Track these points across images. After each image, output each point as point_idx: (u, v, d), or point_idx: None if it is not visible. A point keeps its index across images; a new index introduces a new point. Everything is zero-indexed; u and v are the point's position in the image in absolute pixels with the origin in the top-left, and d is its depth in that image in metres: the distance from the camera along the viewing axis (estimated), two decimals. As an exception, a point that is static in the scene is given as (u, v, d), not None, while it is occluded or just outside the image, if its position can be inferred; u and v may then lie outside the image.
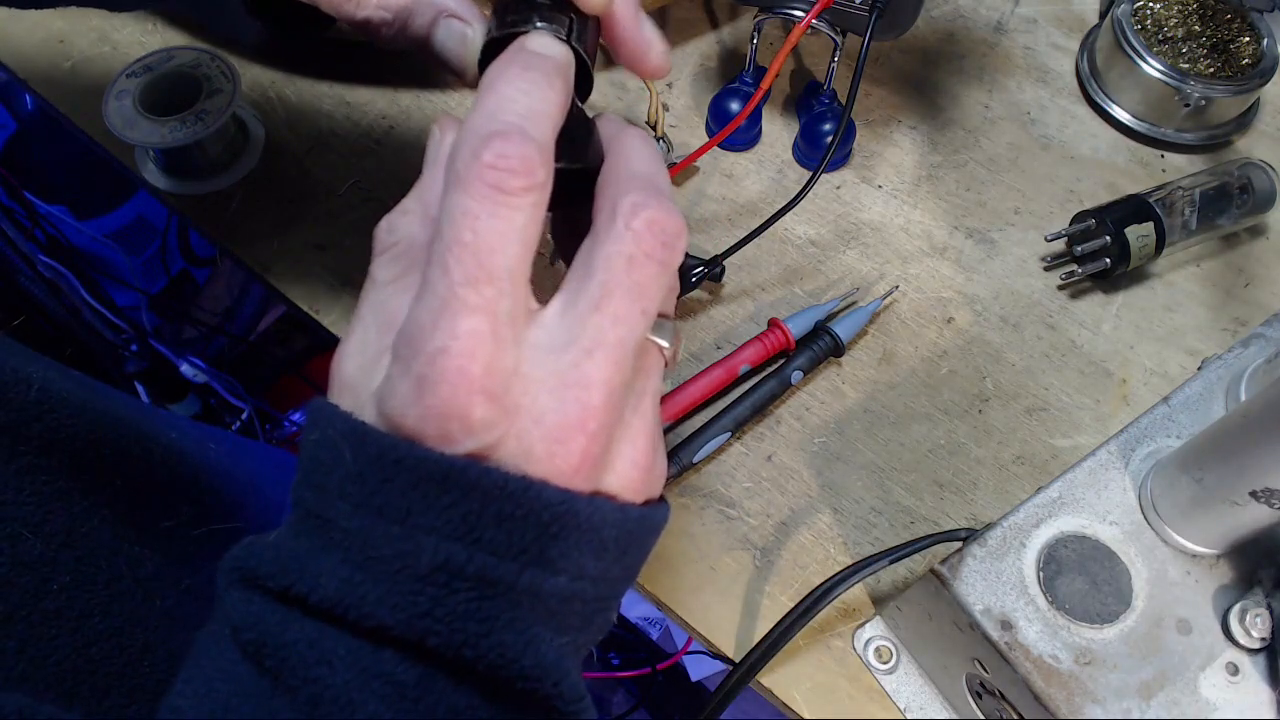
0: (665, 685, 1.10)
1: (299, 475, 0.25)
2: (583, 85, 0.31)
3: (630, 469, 0.27)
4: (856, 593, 0.45)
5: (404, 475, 0.23)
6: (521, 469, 0.24)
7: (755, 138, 0.59)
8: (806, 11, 0.51)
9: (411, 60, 0.58)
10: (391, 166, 0.56)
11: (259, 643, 0.23)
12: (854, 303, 0.53)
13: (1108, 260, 0.53)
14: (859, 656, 0.44)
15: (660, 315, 0.28)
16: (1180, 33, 0.60)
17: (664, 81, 0.62)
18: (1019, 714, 0.37)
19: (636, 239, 0.26)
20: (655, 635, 1.13)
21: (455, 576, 0.23)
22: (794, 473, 0.48)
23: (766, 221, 0.50)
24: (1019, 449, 0.49)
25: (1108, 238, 0.52)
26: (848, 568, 0.41)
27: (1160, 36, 0.59)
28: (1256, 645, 0.35)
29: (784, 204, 0.50)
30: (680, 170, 0.55)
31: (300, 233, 0.54)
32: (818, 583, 0.41)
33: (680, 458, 0.47)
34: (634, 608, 1.11)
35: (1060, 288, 0.55)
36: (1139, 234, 0.52)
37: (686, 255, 0.51)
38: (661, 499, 0.29)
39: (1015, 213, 0.58)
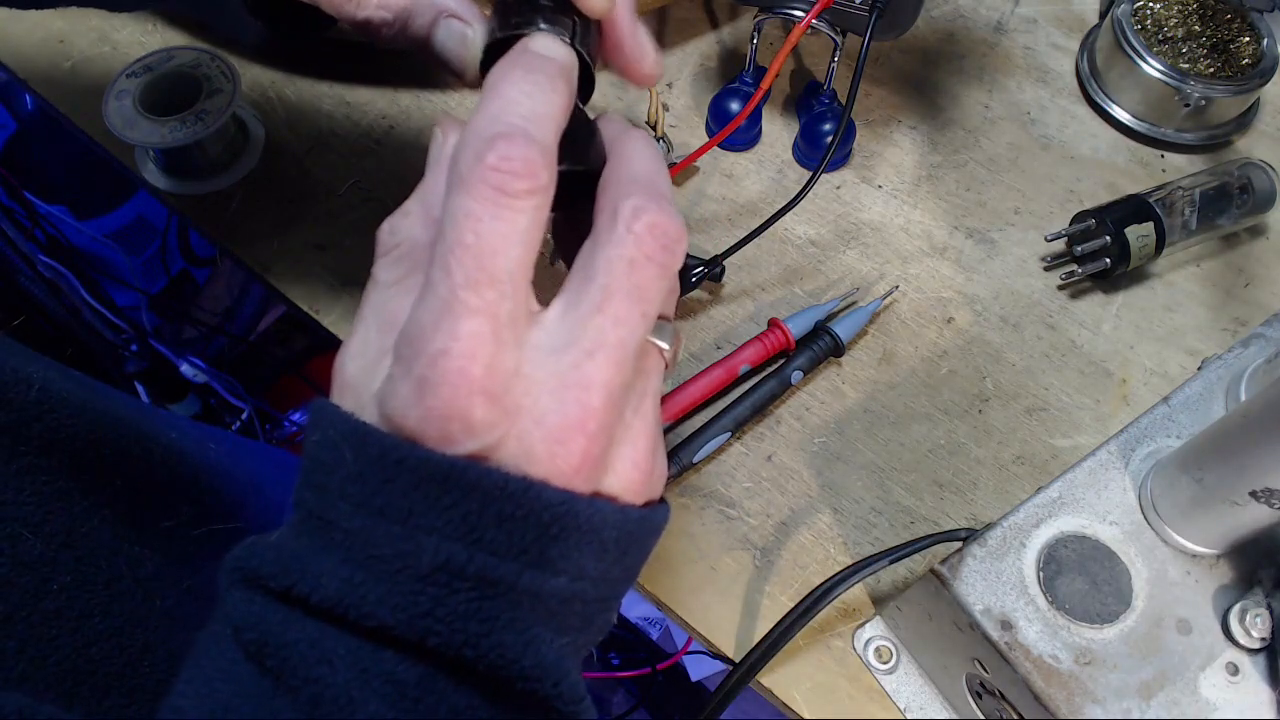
0: (665, 685, 1.10)
1: (301, 476, 0.26)
2: (585, 87, 0.31)
3: (631, 470, 0.27)
4: (856, 593, 0.45)
5: (405, 476, 0.24)
6: (522, 469, 0.24)
7: (755, 138, 0.59)
8: (806, 11, 0.51)
9: (411, 60, 0.58)
10: (391, 166, 0.56)
11: (260, 643, 0.23)
12: (854, 303, 0.53)
13: (1108, 260, 0.53)
14: (859, 656, 0.44)
15: (660, 317, 0.28)
16: (1180, 33, 0.60)
17: (664, 81, 0.62)
18: (1019, 714, 0.37)
19: (637, 242, 0.26)
20: (655, 635, 1.13)
21: (456, 577, 0.23)
22: (794, 473, 0.48)
23: (766, 221, 0.50)
24: (1019, 449, 0.49)
25: (1108, 238, 0.52)
26: (848, 568, 0.41)
27: (1160, 36, 0.59)
28: (1256, 645, 0.35)
29: (784, 204, 0.50)
30: (680, 170, 0.55)
31: (300, 233, 0.54)
32: (818, 583, 0.41)
33: (680, 458, 0.47)
34: (634, 608, 1.11)
35: (1060, 288, 0.55)
36: (1139, 234, 0.52)
37: (686, 255, 0.51)
38: (662, 500, 0.29)
39: (1015, 213, 0.58)
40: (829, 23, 0.53)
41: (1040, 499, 0.38)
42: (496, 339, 0.24)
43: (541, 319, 0.26)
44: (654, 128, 0.55)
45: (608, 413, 0.25)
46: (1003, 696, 0.37)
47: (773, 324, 0.50)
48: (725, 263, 0.52)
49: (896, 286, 0.54)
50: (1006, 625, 0.35)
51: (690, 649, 1.00)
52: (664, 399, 0.48)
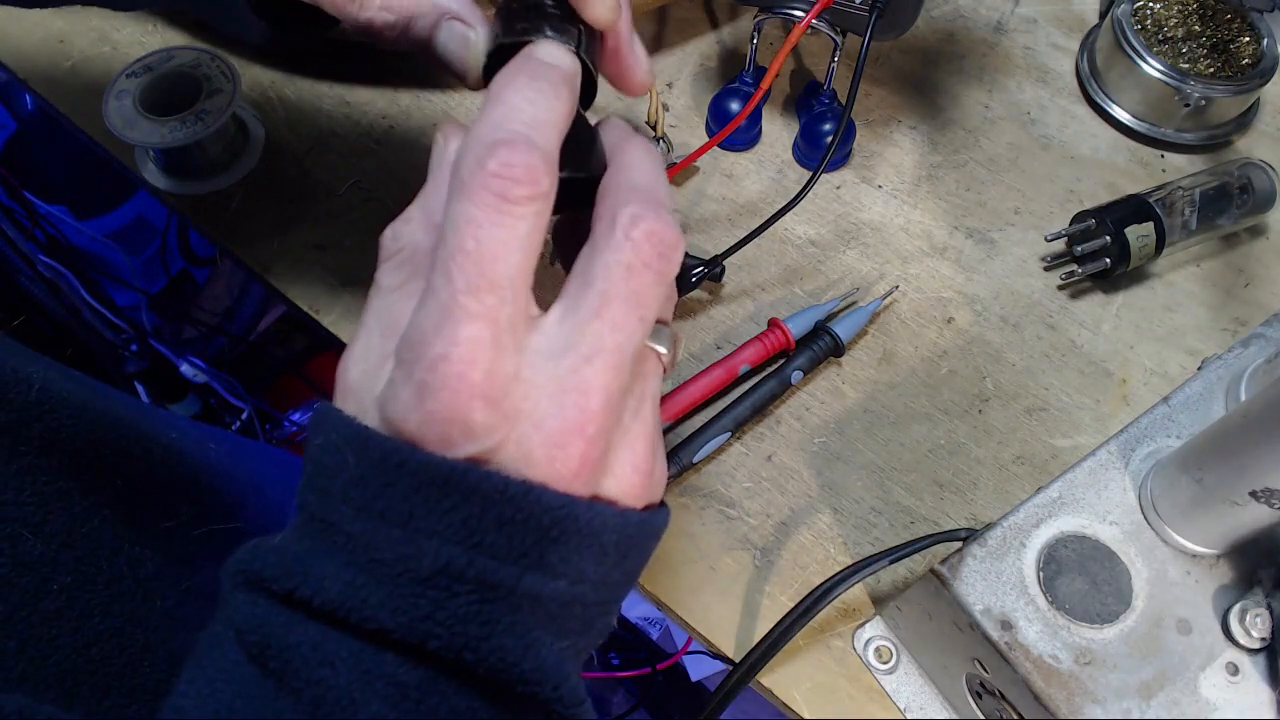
0: (665, 685, 1.10)
1: (303, 479, 0.26)
2: (586, 94, 0.31)
3: (630, 473, 0.27)
4: (856, 593, 0.45)
5: (406, 479, 0.24)
6: (522, 473, 0.24)
7: (755, 138, 0.59)
8: (806, 11, 0.51)
9: (411, 60, 0.58)
10: (391, 166, 0.56)
11: (263, 645, 0.24)
12: (854, 303, 0.53)
13: (1108, 260, 0.53)
14: (859, 656, 0.44)
15: (658, 322, 0.28)
16: (1180, 33, 0.60)
17: (664, 81, 0.62)
18: (1019, 714, 0.37)
19: (635, 249, 0.26)
20: (655, 635, 1.13)
21: (456, 580, 0.23)
22: (794, 473, 0.48)
23: (766, 221, 0.50)
24: (1019, 449, 0.49)
25: (1108, 238, 0.52)
26: (848, 568, 0.41)
27: (1160, 36, 0.59)
28: (1256, 645, 0.35)
29: (784, 204, 0.50)
30: (680, 170, 0.55)
31: (300, 233, 0.54)
32: (818, 583, 0.41)
33: (680, 458, 0.47)
34: (634, 608, 1.11)
35: (1060, 288, 0.55)
36: (1139, 234, 0.52)
37: (686, 255, 0.52)
38: (662, 503, 0.29)
39: (1015, 213, 0.58)
40: (829, 23, 0.53)
41: (1040, 499, 0.38)
42: (496, 344, 0.24)
43: (541, 324, 0.26)
44: (654, 128, 0.55)
45: (606, 417, 0.25)
46: (1003, 696, 0.37)
47: (773, 324, 0.50)
48: (725, 263, 0.52)
49: (896, 286, 0.54)
50: (1006, 625, 0.35)
51: (690, 649, 1.00)
52: (664, 399, 0.48)
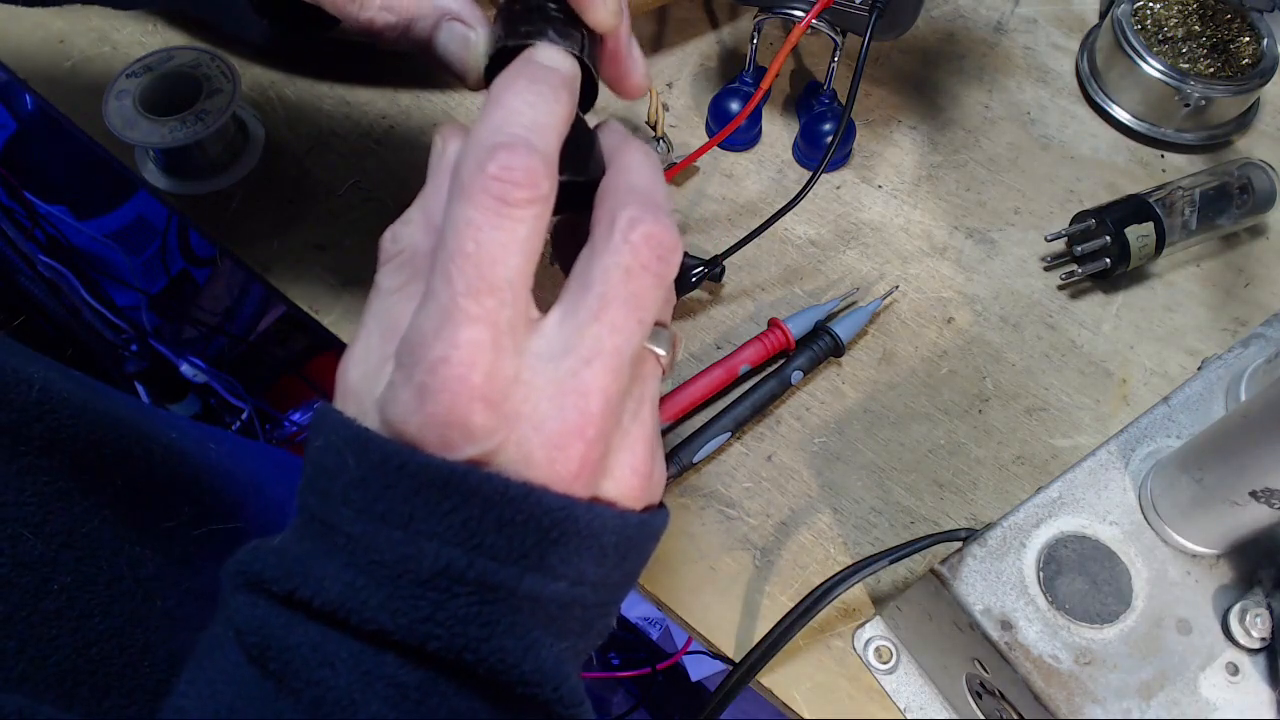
0: (665, 685, 1.10)
1: (304, 480, 0.26)
2: (587, 97, 0.31)
3: (629, 475, 0.27)
4: (856, 593, 0.45)
5: (406, 481, 0.24)
6: (521, 475, 0.24)
7: (755, 138, 0.59)
8: (806, 11, 0.51)
9: (411, 60, 0.58)
10: (391, 166, 0.56)
11: (263, 645, 0.24)
12: (854, 303, 0.53)
13: (1108, 260, 0.53)
14: (859, 656, 0.44)
15: (657, 324, 0.28)
16: (1180, 33, 0.60)
17: (664, 81, 0.62)
18: (1019, 714, 0.37)
19: (633, 251, 0.26)
20: (655, 635, 1.13)
21: (456, 581, 0.23)
22: (794, 473, 0.48)
23: (766, 221, 0.50)
24: (1019, 449, 0.49)
25: (1108, 238, 0.52)
26: (848, 568, 0.41)
27: (1160, 36, 0.59)
28: (1256, 645, 0.35)
29: (784, 204, 0.50)
30: (680, 170, 0.55)
31: (300, 233, 0.54)
32: (818, 583, 0.41)
33: (680, 458, 0.47)
34: (634, 608, 1.11)
35: (1060, 288, 0.55)
36: (1139, 234, 0.52)
37: (686, 255, 0.52)
38: (661, 505, 0.29)
39: (1015, 213, 0.58)
40: (829, 23, 0.53)
41: (1040, 499, 0.38)
42: (496, 346, 0.24)
43: (540, 326, 0.26)
44: (654, 128, 0.55)
45: (605, 419, 0.25)
46: (1003, 696, 0.37)
47: (773, 324, 0.50)
48: (725, 263, 0.52)
49: (896, 286, 0.54)
50: (1006, 625, 0.35)
51: (690, 649, 1.00)
52: (664, 399, 0.48)
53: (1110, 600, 0.35)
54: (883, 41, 0.63)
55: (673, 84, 0.62)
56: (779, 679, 0.43)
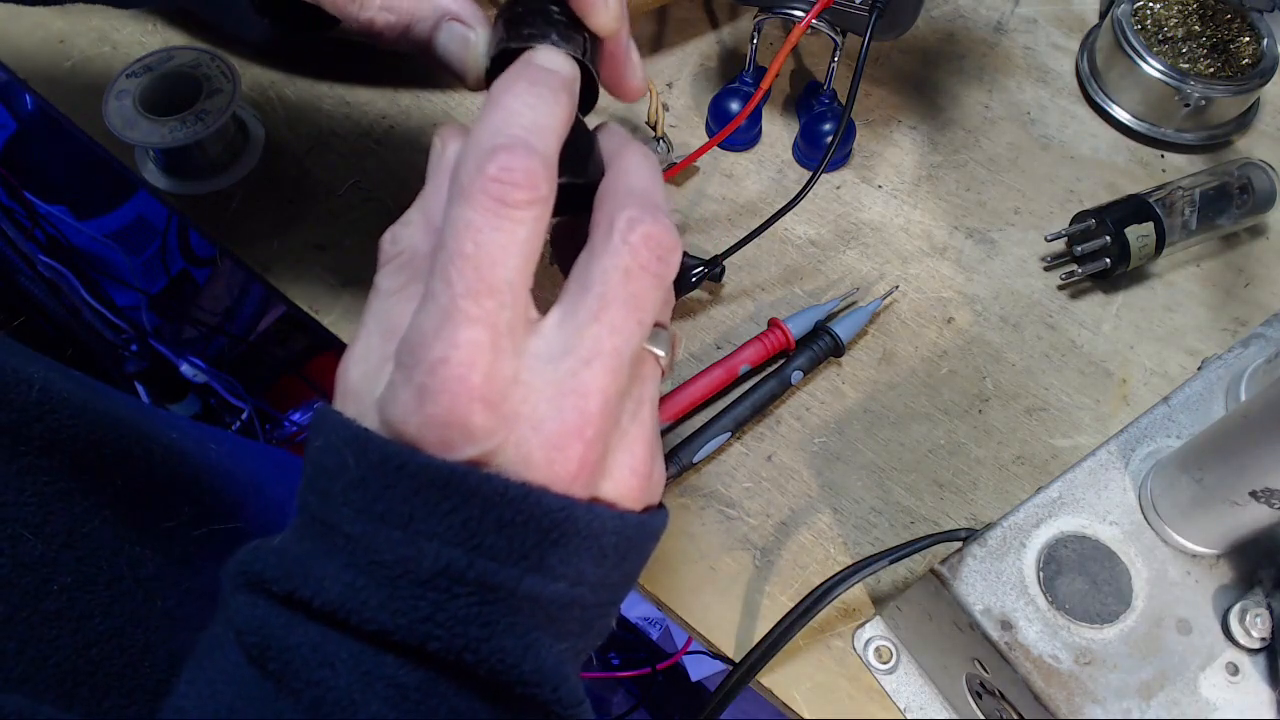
0: (665, 685, 1.10)
1: (304, 481, 0.26)
2: (587, 99, 0.31)
3: (629, 476, 0.27)
4: (856, 593, 0.45)
5: (406, 482, 0.24)
6: (521, 476, 0.24)
7: (755, 138, 0.59)
8: (806, 11, 0.51)
9: (411, 60, 0.58)
10: (391, 166, 0.56)
11: (263, 646, 0.24)
12: (854, 303, 0.53)
13: (1108, 260, 0.53)
14: (859, 656, 0.44)
15: (656, 325, 0.28)
16: (1180, 33, 0.60)
17: (664, 81, 0.62)
18: (1019, 714, 0.37)
19: (633, 252, 0.26)
20: (655, 635, 1.13)
21: (456, 582, 0.23)
22: (794, 473, 0.48)
23: (766, 221, 0.50)
24: (1019, 449, 0.49)
25: (1108, 238, 0.52)
26: (848, 568, 0.41)
27: (1160, 36, 0.59)
28: (1256, 645, 0.35)
29: (784, 204, 0.50)
30: (680, 170, 0.55)
31: (300, 233, 0.54)
32: (818, 583, 0.41)
33: (680, 458, 0.47)
34: (634, 608, 1.11)
35: (1060, 288, 0.55)
36: (1139, 234, 0.52)
37: (686, 255, 0.52)
38: (660, 505, 0.29)
39: (1015, 213, 0.58)
40: (829, 23, 0.53)
41: (1040, 499, 0.38)
42: (495, 347, 0.24)
43: (540, 327, 0.26)
44: (654, 128, 0.55)
45: (605, 419, 0.26)
46: (1003, 696, 0.37)
47: (773, 324, 0.50)
48: (725, 263, 0.52)
49: (896, 286, 0.54)
50: (1006, 625, 0.35)
51: (690, 649, 1.00)
52: (664, 399, 0.48)
53: (1110, 600, 0.36)
54: (883, 41, 0.63)
55: (673, 84, 0.62)
56: (779, 679, 0.43)
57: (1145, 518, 0.37)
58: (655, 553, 0.29)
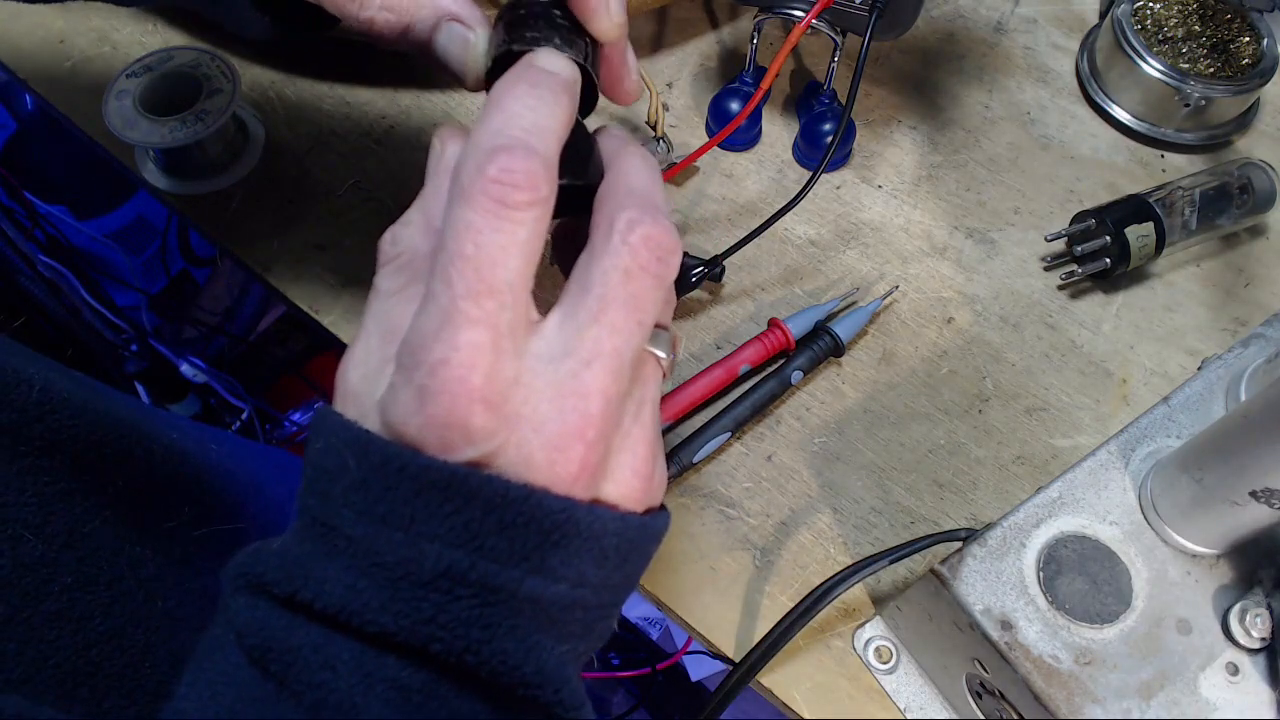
0: (665, 685, 1.11)
1: (304, 482, 0.26)
2: (586, 102, 0.31)
3: (630, 477, 0.27)
4: (856, 593, 0.45)
5: (407, 483, 0.24)
6: (522, 477, 0.24)
7: (755, 138, 0.59)
8: (806, 11, 0.51)
9: (411, 60, 0.58)
10: (391, 166, 0.56)
11: (264, 648, 0.24)
12: (854, 303, 0.53)
13: (1108, 260, 0.53)
14: (859, 656, 0.44)
15: (657, 326, 0.28)
16: (1180, 33, 0.60)
17: (664, 81, 0.62)
18: (1019, 714, 0.37)
19: (632, 253, 0.26)
20: (655, 635, 1.13)
21: (458, 583, 0.23)
22: (794, 473, 0.48)
23: (766, 221, 0.50)
24: (1019, 449, 0.49)
25: (1108, 238, 0.52)
26: (848, 568, 0.41)
27: (1160, 36, 0.59)
28: (1256, 645, 0.35)
29: (784, 204, 0.50)
30: (680, 170, 0.55)
31: (300, 233, 0.54)
32: (818, 583, 0.41)
33: (680, 458, 0.47)
34: (634, 608, 1.11)
35: (1060, 288, 0.55)
36: (1139, 234, 0.52)
37: (686, 255, 0.52)
38: (662, 507, 0.29)
39: (1015, 213, 0.58)
40: (829, 23, 0.53)
41: (1040, 499, 0.38)
42: (496, 348, 0.24)
43: (540, 328, 0.26)
44: (654, 128, 0.55)
45: (606, 420, 0.26)
46: (1003, 696, 0.37)
47: (773, 324, 0.50)
48: (725, 263, 0.52)
49: (896, 286, 0.54)
50: (1006, 625, 0.35)
51: (690, 649, 1.00)
52: (664, 399, 0.48)
53: (1110, 600, 0.36)
54: (883, 41, 0.63)
55: (673, 84, 0.62)
56: (779, 679, 0.43)
57: (1145, 518, 0.37)
58: (655, 553, 0.29)
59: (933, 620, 0.39)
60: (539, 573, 0.24)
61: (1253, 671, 0.35)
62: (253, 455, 0.54)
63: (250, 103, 0.58)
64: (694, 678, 1.09)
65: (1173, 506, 0.36)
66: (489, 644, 0.23)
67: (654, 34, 0.64)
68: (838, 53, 0.55)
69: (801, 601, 0.40)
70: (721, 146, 0.58)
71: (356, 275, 0.53)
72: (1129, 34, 0.59)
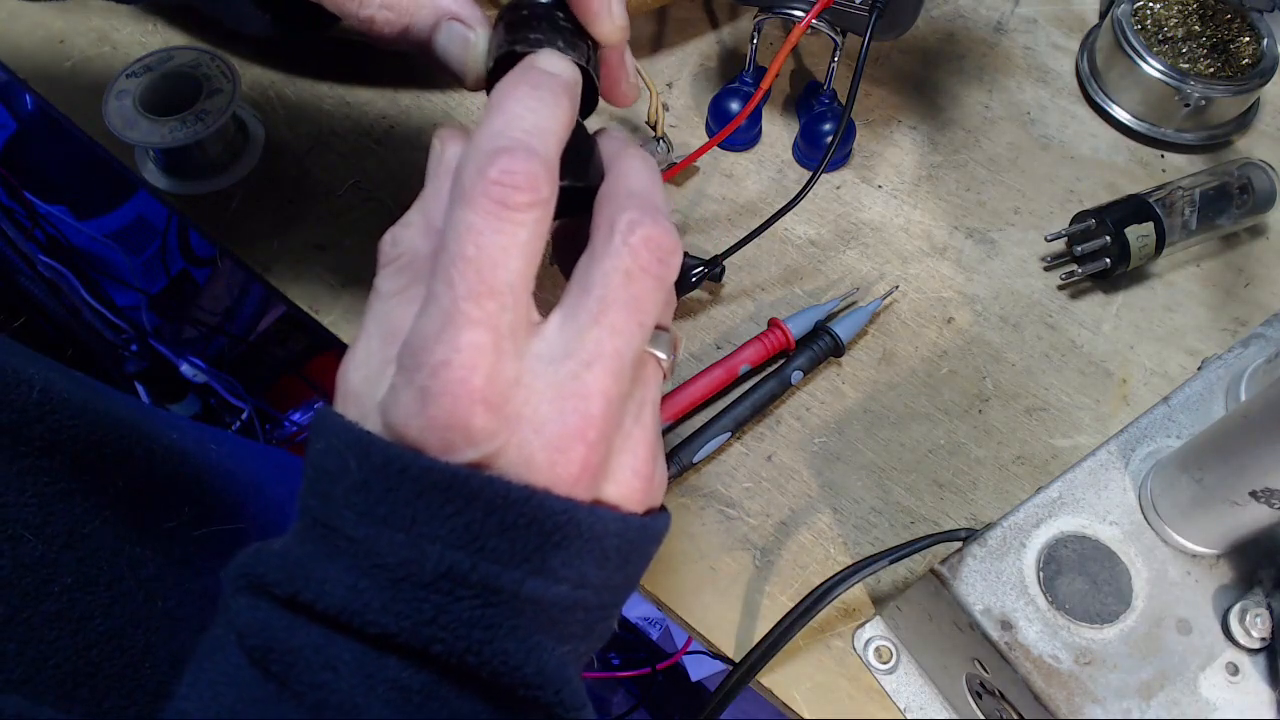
0: (665, 685, 1.11)
1: (305, 484, 0.26)
2: (586, 104, 0.31)
3: (631, 478, 0.27)
4: (856, 593, 0.45)
5: (408, 484, 0.24)
6: (523, 478, 0.24)
7: (755, 138, 0.59)
8: (806, 11, 0.51)
9: (411, 60, 0.58)
10: (391, 166, 0.56)
11: (265, 648, 0.24)
12: (854, 303, 0.53)
13: (1108, 260, 0.53)
14: (859, 656, 0.44)
15: (658, 327, 0.28)
16: (1180, 33, 0.60)
17: (664, 81, 0.62)
18: (1019, 714, 0.37)
19: (633, 255, 0.26)
20: (655, 635, 1.13)
21: (459, 584, 0.23)
22: (794, 473, 0.48)
23: (766, 221, 0.50)
24: (1019, 449, 0.49)
25: (1108, 238, 0.52)
26: (848, 568, 0.41)
27: (1160, 36, 0.59)
28: (1256, 645, 0.35)
29: (784, 204, 0.50)
30: (680, 170, 0.55)
31: (300, 233, 0.54)
32: (818, 583, 0.41)
33: (680, 458, 0.47)
34: (634, 608, 1.11)
35: (1060, 288, 0.55)
36: (1139, 234, 0.52)
37: (686, 255, 0.52)
38: (662, 508, 0.29)
39: (1015, 213, 0.58)
40: (829, 23, 0.53)
41: (1040, 499, 0.38)
42: (497, 350, 0.24)
43: (541, 329, 0.26)
44: (654, 128, 0.55)
45: (607, 421, 0.26)
46: (1003, 696, 0.37)
47: (773, 324, 0.50)
48: (725, 263, 0.52)
49: (896, 286, 0.54)
50: (1006, 625, 0.35)
51: (690, 649, 1.00)
52: (664, 399, 0.48)
53: (1110, 600, 0.36)
54: (883, 41, 0.63)
55: (673, 84, 0.62)
56: (779, 679, 0.43)
57: (1145, 518, 0.37)
58: (656, 554, 0.29)
59: (933, 620, 0.39)
60: (540, 574, 0.24)
61: (1253, 671, 0.35)
62: (253, 455, 0.54)
63: (250, 103, 0.58)
64: (694, 678, 1.09)
65: (1173, 506, 0.36)
66: (490, 645, 0.24)
67: (654, 34, 0.64)
68: (838, 53, 0.55)
69: (801, 601, 0.40)
70: (721, 146, 0.58)
71: (356, 275, 0.53)
72: (1129, 34, 0.59)
